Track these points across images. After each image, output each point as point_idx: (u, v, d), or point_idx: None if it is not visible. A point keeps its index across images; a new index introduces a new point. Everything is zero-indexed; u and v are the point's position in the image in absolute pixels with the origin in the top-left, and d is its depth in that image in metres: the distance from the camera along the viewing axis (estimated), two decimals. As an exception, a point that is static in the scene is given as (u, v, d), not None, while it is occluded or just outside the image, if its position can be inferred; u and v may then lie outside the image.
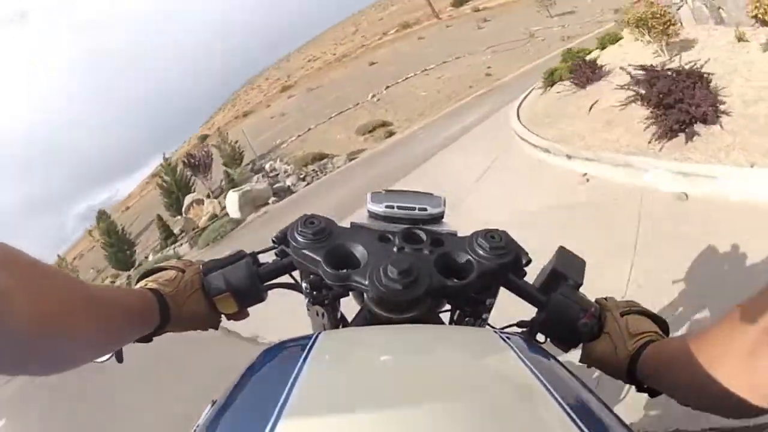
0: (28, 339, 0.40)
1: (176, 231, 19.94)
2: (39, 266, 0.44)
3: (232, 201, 16.28)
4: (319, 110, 27.43)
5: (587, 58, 8.46)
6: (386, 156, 14.32)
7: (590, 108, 6.67)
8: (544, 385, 0.45)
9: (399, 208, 0.80)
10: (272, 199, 16.35)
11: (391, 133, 19.43)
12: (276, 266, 0.78)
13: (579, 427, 0.39)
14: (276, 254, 0.79)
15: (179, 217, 20.54)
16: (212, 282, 0.74)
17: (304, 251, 0.71)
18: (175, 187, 22.37)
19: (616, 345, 0.65)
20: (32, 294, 0.41)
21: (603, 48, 10.17)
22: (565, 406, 0.42)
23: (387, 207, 0.80)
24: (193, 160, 21.86)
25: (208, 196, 20.39)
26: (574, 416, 0.40)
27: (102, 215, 25.21)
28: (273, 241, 0.77)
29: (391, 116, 21.88)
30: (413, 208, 0.80)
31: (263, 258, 0.80)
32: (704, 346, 0.50)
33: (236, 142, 23.80)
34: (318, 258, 0.69)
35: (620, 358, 0.64)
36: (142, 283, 0.71)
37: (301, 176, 17.88)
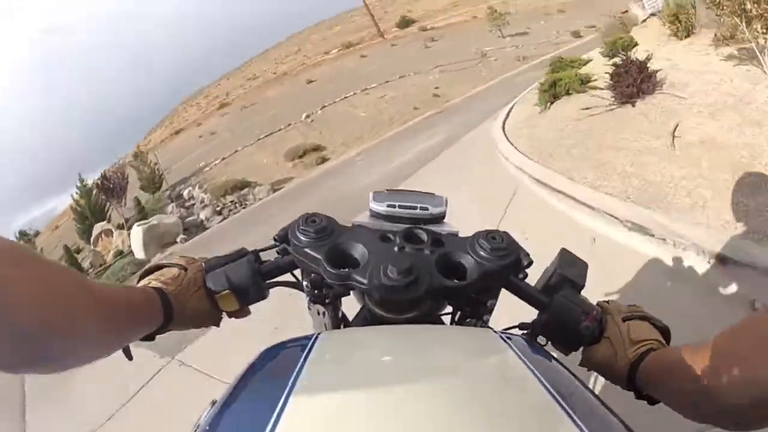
0: (35, 336, 0.41)
1: (86, 265, 15.95)
2: (47, 263, 0.45)
3: (136, 237, 13.30)
4: (249, 130, 24.53)
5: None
6: (317, 188, 11.51)
7: (672, 137, 3.54)
8: (545, 386, 0.46)
9: (401, 207, 0.81)
10: (181, 236, 13.13)
11: (324, 159, 16.46)
12: (277, 264, 0.78)
13: (579, 428, 0.40)
14: (277, 252, 0.78)
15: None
16: (214, 280, 0.73)
17: (306, 250, 0.71)
18: (88, 212, 18.52)
19: (617, 351, 0.65)
20: (41, 291, 0.42)
21: (612, 55, 7.27)
22: (566, 407, 0.42)
23: (389, 206, 0.81)
24: (107, 183, 18.04)
25: (121, 226, 16.54)
26: (575, 417, 0.41)
27: (22, 236, 21.63)
28: (274, 239, 0.77)
29: (326, 139, 18.84)
30: (415, 208, 0.81)
31: (265, 256, 0.79)
32: (706, 358, 0.50)
33: (156, 163, 20.62)
34: (319, 257, 0.69)
35: (620, 364, 0.64)
36: (144, 281, 0.71)
37: (218, 208, 14.66)
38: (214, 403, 0.54)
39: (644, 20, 9.96)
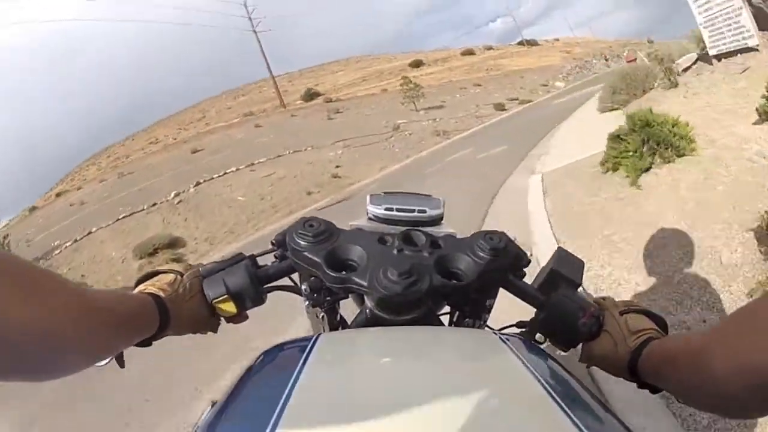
0: (24, 347, 0.41)
1: None
2: (35, 271, 0.44)
3: None
4: (115, 204, 19.92)
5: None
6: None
7: None
8: (544, 387, 0.46)
9: (398, 210, 0.81)
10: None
11: (177, 261, 11.71)
12: (275, 269, 0.77)
13: (579, 428, 0.39)
14: (275, 257, 0.79)
15: None
16: (212, 285, 0.73)
17: (305, 254, 0.71)
18: None
19: (617, 342, 0.66)
20: (28, 301, 0.42)
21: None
22: (565, 407, 0.42)
23: (386, 209, 0.82)
24: (-61, 253, 13.92)
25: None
26: (574, 417, 0.41)
27: None
28: (272, 244, 0.77)
29: (189, 229, 14.34)
30: (412, 210, 0.81)
31: (262, 261, 0.79)
32: (706, 344, 0.50)
33: (6, 237, 16.97)
34: (318, 260, 0.69)
35: (621, 355, 0.65)
36: (141, 287, 0.71)
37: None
38: (214, 403, 0.53)
39: (688, 67, 6.28)
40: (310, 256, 0.70)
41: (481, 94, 30.82)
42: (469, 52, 63.62)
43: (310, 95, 45.00)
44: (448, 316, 0.80)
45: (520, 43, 70.85)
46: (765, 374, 0.41)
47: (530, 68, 48.17)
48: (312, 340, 0.57)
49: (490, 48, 66.98)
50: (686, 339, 0.56)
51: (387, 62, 67.20)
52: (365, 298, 0.70)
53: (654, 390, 0.63)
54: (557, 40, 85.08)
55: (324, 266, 0.68)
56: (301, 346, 0.55)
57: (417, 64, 61.79)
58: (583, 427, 0.39)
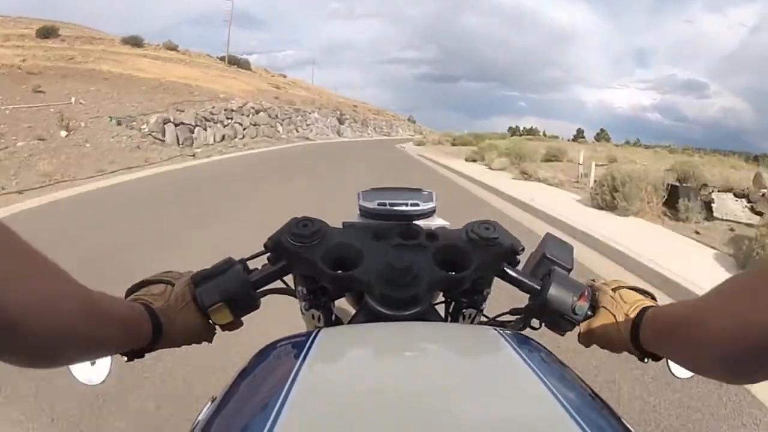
0: (20, 325, 0.38)
1: None
2: (36, 253, 0.42)
3: None
4: None
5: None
6: None
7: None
8: (545, 384, 0.46)
9: (391, 204, 0.80)
10: None
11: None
12: (268, 272, 0.74)
13: (580, 426, 0.40)
14: (267, 259, 0.75)
15: None
16: (205, 293, 0.69)
17: (302, 254, 0.70)
18: None
19: (615, 315, 0.67)
20: (29, 280, 0.40)
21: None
22: (567, 406, 0.42)
23: (379, 204, 0.80)
24: None
25: None
26: (576, 415, 0.41)
27: None
28: (265, 246, 0.74)
29: None
30: (405, 204, 0.80)
31: (252, 264, 0.76)
32: (706, 307, 0.49)
33: None
34: (315, 260, 0.69)
35: (621, 326, 0.65)
36: (130, 298, 0.67)
37: None
38: (213, 399, 0.53)
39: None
40: (307, 256, 0.69)
41: None
42: (134, 42, 39.06)
43: None
44: (443, 305, 0.79)
45: (222, 59, 49.11)
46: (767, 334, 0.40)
47: (186, 83, 25.49)
48: (312, 336, 0.56)
49: (173, 48, 43.29)
50: (683, 304, 0.54)
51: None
52: (365, 295, 0.69)
53: (656, 358, 0.63)
54: (284, 76, 65.41)
55: (323, 266, 0.67)
56: (301, 342, 0.54)
57: (48, 33, 35.02)
58: (584, 426, 0.39)
